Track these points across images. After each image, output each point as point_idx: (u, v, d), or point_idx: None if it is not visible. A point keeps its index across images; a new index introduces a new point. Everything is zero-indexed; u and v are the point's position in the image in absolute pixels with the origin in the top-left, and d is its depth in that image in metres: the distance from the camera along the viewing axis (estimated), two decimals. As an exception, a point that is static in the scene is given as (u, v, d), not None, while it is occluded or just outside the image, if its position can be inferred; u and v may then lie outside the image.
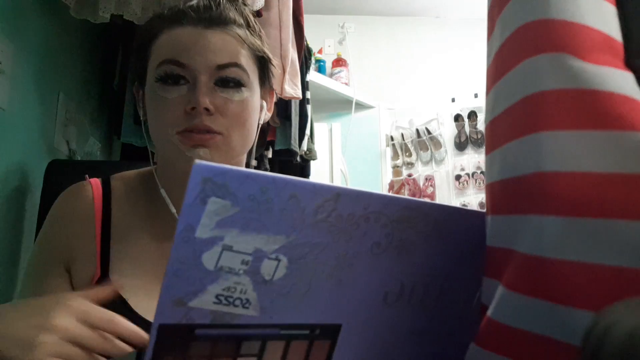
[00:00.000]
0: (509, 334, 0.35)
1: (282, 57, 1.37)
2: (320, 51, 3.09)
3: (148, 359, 0.30)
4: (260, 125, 0.73)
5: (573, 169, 0.31)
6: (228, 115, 0.64)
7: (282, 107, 1.65)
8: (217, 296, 0.30)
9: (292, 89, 1.41)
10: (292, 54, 1.43)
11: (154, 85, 0.65)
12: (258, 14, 1.29)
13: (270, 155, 1.76)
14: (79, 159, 1.37)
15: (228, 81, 0.64)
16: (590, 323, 0.26)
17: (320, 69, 3.01)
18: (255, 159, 1.70)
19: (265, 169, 1.72)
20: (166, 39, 0.65)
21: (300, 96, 1.47)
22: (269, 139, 1.69)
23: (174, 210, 0.67)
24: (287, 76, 1.38)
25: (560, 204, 0.32)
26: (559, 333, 0.31)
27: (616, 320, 0.24)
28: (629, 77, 0.33)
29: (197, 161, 0.27)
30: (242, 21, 0.68)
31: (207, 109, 0.62)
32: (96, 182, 0.70)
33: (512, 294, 0.35)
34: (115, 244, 0.65)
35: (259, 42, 0.70)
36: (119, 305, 0.60)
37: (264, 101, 0.73)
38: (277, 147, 1.71)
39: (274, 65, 0.74)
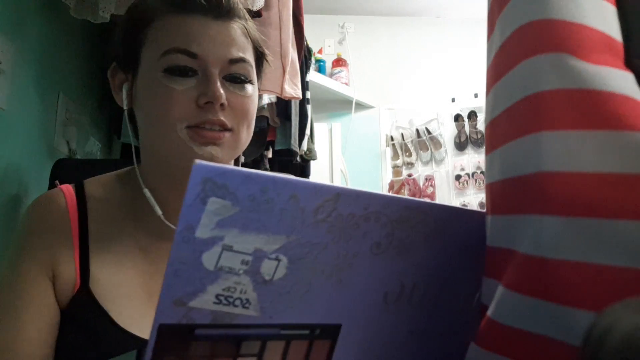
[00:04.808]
0: (509, 334, 0.35)
1: (282, 57, 1.37)
2: (320, 51, 3.09)
3: (148, 359, 0.30)
4: None
5: (573, 169, 0.31)
6: (238, 110, 0.62)
7: (282, 107, 1.65)
8: (217, 296, 0.30)
9: (292, 89, 1.41)
10: (292, 54, 1.43)
11: (157, 74, 0.60)
12: (258, 14, 1.29)
13: (270, 155, 1.76)
14: (79, 158, 1.37)
15: (237, 77, 0.62)
16: (590, 323, 0.26)
17: (320, 69, 3.01)
18: (256, 159, 1.70)
19: (265, 169, 1.72)
20: (171, 25, 0.61)
21: (300, 96, 1.47)
22: (269, 139, 1.69)
23: (159, 212, 0.63)
24: (287, 76, 1.38)
25: (560, 204, 0.32)
26: (559, 333, 0.31)
27: (616, 320, 0.24)
28: (629, 77, 0.33)
29: (197, 161, 0.27)
30: (244, 14, 0.66)
31: (221, 104, 0.60)
32: (68, 188, 0.66)
33: (512, 294, 0.35)
34: (94, 250, 0.61)
35: (258, 37, 0.68)
36: (100, 318, 0.57)
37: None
38: (277, 147, 1.71)
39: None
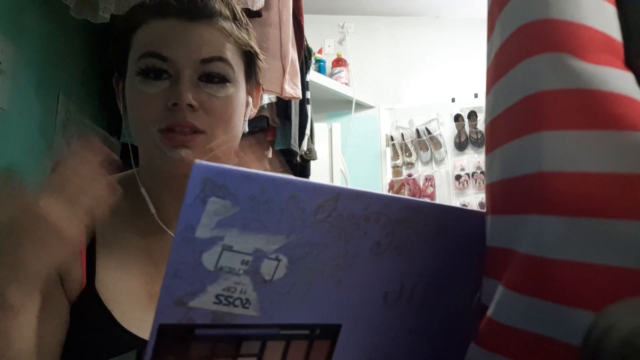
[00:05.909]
0: (509, 334, 0.35)
1: (282, 57, 1.37)
2: (320, 51, 3.09)
3: (148, 359, 0.30)
4: (246, 122, 0.70)
5: (573, 169, 0.31)
6: (212, 112, 0.61)
7: (282, 107, 1.65)
8: (217, 296, 0.30)
9: (292, 89, 1.41)
10: (292, 54, 1.43)
11: (134, 78, 0.61)
12: (258, 13, 1.29)
13: (270, 155, 1.76)
14: (79, 159, 1.37)
15: (213, 76, 0.61)
16: (590, 323, 0.26)
17: (320, 69, 3.01)
18: (255, 159, 1.70)
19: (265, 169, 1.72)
20: (147, 30, 0.62)
21: (300, 96, 1.47)
22: (269, 139, 1.69)
23: (153, 210, 0.65)
24: (287, 76, 1.38)
25: (560, 204, 0.32)
26: (559, 333, 0.31)
27: (616, 321, 0.24)
28: (629, 77, 0.33)
29: (197, 161, 0.27)
30: (228, 13, 0.65)
31: (190, 105, 0.59)
32: None
33: (512, 294, 0.35)
34: (100, 251, 0.62)
35: (245, 36, 0.67)
36: (103, 317, 0.58)
37: (249, 97, 0.70)
38: (277, 147, 1.71)
39: (260, 60, 0.70)
